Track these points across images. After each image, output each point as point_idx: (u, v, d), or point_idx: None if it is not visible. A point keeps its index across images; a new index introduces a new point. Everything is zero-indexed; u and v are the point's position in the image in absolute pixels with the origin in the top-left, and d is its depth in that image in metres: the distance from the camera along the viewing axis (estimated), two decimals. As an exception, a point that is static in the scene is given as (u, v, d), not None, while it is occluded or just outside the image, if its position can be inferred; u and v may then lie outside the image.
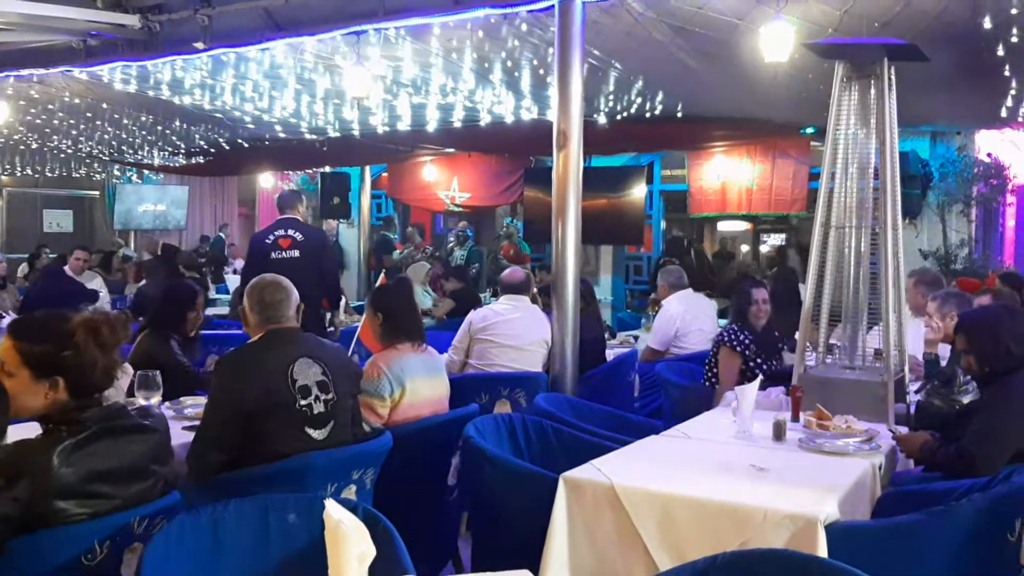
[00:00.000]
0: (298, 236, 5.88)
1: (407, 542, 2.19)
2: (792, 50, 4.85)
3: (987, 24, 4.85)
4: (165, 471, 2.36)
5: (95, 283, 8.75)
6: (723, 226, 13.89)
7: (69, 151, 11.56)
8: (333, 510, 1.70)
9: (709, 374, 4.90)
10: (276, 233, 5.91)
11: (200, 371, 4.12)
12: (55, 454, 2.07)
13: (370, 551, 1.69)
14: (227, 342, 5.48)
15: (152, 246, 11.42)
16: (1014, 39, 5.09)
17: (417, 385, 3.63)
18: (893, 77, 4.09)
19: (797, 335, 4.20)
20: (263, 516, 2.26)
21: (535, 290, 6.26)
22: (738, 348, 4.67)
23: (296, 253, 5.81)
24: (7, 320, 5.66)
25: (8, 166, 12.96)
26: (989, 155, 8.96)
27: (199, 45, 5.83)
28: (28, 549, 2.01)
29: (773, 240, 15.01)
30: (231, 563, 2.18)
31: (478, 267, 11.34)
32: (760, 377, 3.94)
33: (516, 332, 5.03)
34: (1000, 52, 5.39)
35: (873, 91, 4.06)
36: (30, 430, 2.24)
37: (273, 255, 5.75)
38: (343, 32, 5.59)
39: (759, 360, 4.65)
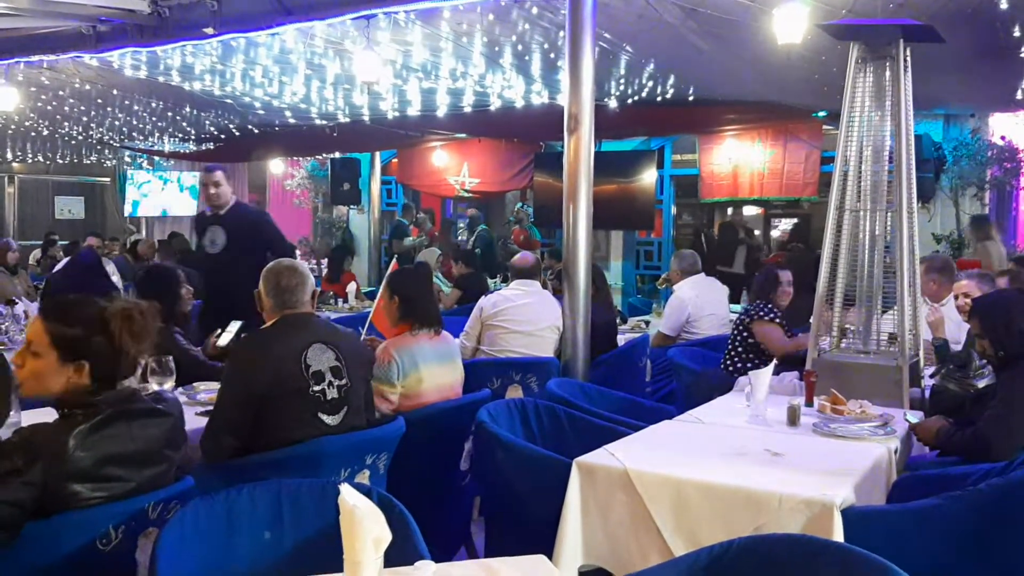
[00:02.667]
0: None
1: (420, 527, 2.19)
2: (806, 31, 4.80)
3: (1003, 4, 4.79)
4: (179, 456, 2.37)
5: (108, 269, 8.77)
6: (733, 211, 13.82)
7: (80, 138, 11.57)
8: (348, 495, 1.69)
9: (730, 358, 4.87)
10: None
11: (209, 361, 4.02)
12: (71, 437, 2.07)
13: (385, 536, 1.68)
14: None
15: (149, 250, 11.35)
16: (1031, 19, 5.04)
17: (430, 372, 3.62)
18: (909, 59, 4.05)
19: (811, 319, 4.18)
20: (276, 501, 2.25)
21: (550, 277, 6.25)
22: (768, 318, 4.70)
23: None
24: (20, 307, 5.68)
25: (19, 153, 13.00)
26: (1003, 138, 8.88)
27: (208, 30, 5.81)
28: (43, 534, 2.01)
29: (784, 225, 14.93)
30: (245, 548, 2.18)
31: (479, 252, 11.30)
32: (774, 362, 3.92)
33: (527, 317, 5.03)
34: (1016, 33, 5.32)
35: (888, 73, 4.02)
36: (46, 415, 2.25)
37: None
38: (352, 16, 5.56)
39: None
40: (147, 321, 2.25)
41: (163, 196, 14.83)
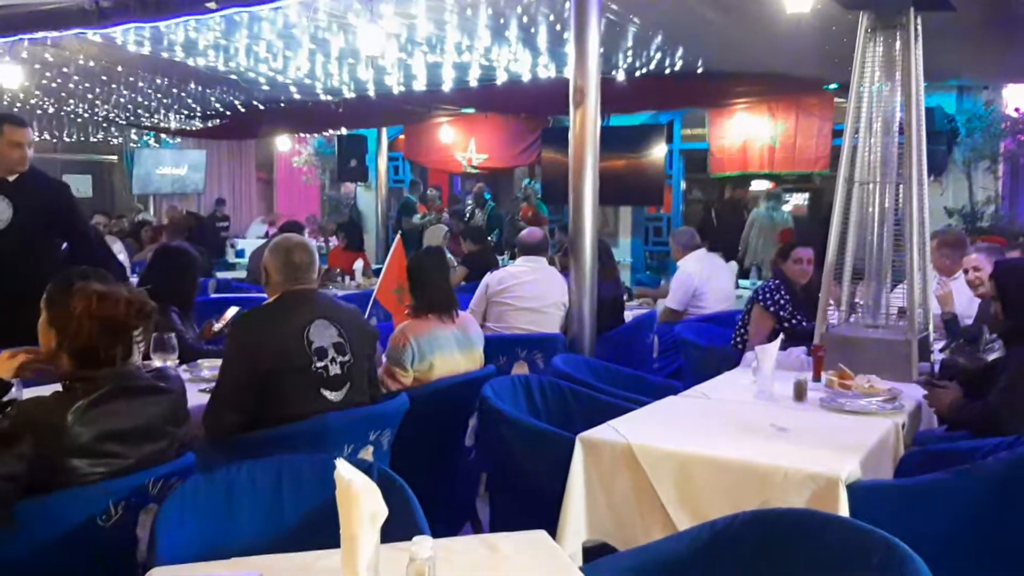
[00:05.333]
0: None
1: (425, 503, 2.18)
2: (815, 1, 4.72)
3: (1017, -28, 4.71)
4: (180, 432, 2.36)
5: (115, 248, 8.75)
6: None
7: (86, 115, 11.55)
8: (344, 470, 1.67)
9: (739, 335, 4.84)
10: None
11: (205, 346, 3.97)
12: (70, 412, 2.08)
13: (382, 511, 1.67)
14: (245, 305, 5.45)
15: (178, 217, 11.26)
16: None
17: (444, 359, 3.58)
18: (919, 27, 3.98)
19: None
20: (277, 478, 2.25)
21: (558, 253, 6.20)
22: (771, 308, 4.61)
23: None
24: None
25: (26, 131, 12.97)
26: (1017, 110, 8.76)
27: (211, 5, 5.74)
28: (43, 510, 2.01)
29: (797, 200, 14.80)
30: (245, 524, 2.18)
31: (498, 233, 11.24)
32: (781, 337, 3.88)
33: (533, 294, 5.00)
34: (1031, 1, 5.23)
35: (899, 42, 3.96)
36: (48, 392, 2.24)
37: None
38: (356, -11, 5.51)
39: (795, 320, 4.59)
40: (116, 308, 2.18)
41: (169, 174, 14.81)
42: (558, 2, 5.71)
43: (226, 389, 2.86)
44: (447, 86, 8.67)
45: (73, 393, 2.13)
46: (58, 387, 2.21)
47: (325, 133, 13.60)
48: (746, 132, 9.97)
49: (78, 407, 2.09)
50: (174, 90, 9.40)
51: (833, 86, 8.73)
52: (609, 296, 5.20)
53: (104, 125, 12.82)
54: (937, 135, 8.25)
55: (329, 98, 9.70)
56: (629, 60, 7.48)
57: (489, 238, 10.23)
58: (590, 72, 4.56)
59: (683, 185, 11.95)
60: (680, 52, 7.26)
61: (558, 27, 6.27)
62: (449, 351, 3.61)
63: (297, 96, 9.58)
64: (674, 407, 3.27)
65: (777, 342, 3.58)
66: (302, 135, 14.20)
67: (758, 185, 13.62)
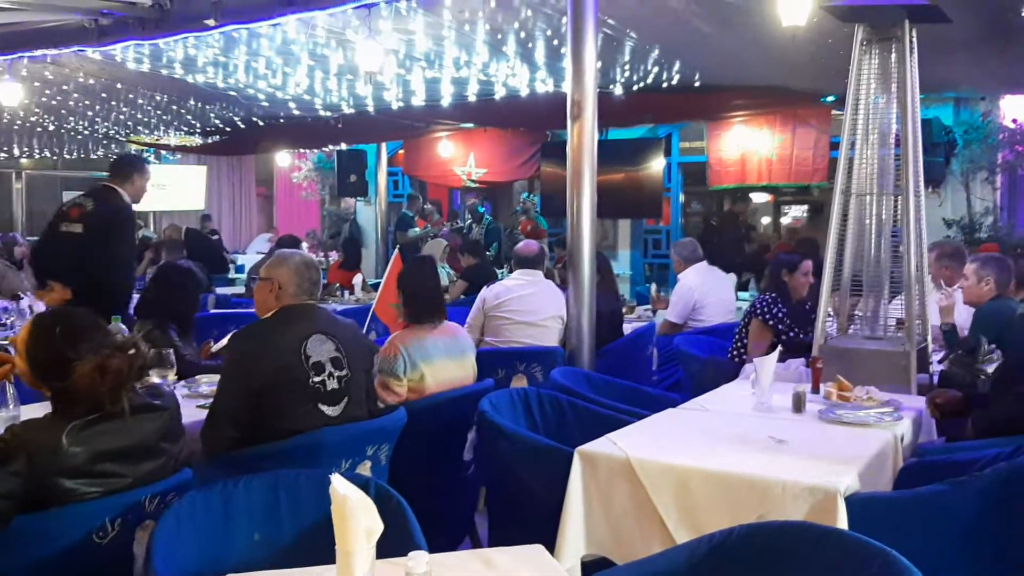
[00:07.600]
0: (89, 206, 4.94)
1: (424, 517, 2.17)
2: (810, 13, 4.74)
3: (1011, -16, 4.73)
4: (176, 449, 2.35)
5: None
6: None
7: (86, 132, 11.58)
8: (339, 485, 1.68)
9: (736, 348, 4.83)
10: (72, 201, 5.12)
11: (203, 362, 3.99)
12: (64, 434, 2.06)
13: (377, 526, 1.66)
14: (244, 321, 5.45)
15: (169, 234, 11.26)
16: (1040, -1, 4.97)
17: (436, 367, 3.59)
18: (915, 40, 4.00)
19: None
20: (273, 492, 2.24)
21: (558, 266, 6.20)
22: (770, 322, 4.61)
23: (79, 228, 4.88)
24: (26, 301, 5.68)
25: (27, 148, 13.01)
26: (1014, 121, 8.78)
27: (210, 22, 5.78)
28: (38, 527, 2.01)
29: (795, 212, 14.83)
30: (242, 539, 2.17)
31: (496, 246, 11.25)
32: (779, 348, 3.88)
33: (531, 308, 4.99)
34: (1025, 13, 5.26)
35: (894, 54, 3.97)
36: (46, 410, 2.23)
37: (62, 227, 4.93)
38: (354, 5, 5.52)
39: (792, 333, 4.58)
40: (119, 376, 2.15)
41: (169, 190, 14.81)
42: (555, 17, 5.74)
43: (224, 404, 2.87)
44: (446, 101, 8.69)
45: (67, 414, 2.13)
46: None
47: (324, 148, 13.62)
48: (744, 144, 9.99)
49: (72, 428, 2.08)
50: (173, 107, 9.42)
51: (830, 98, 8.75)
52: (608, 309, 5.20)
53: (104, 142, 12.85)
54: (934, 146, 8.26)
55: (328, 114, 9.72)
56: (627, 74, 7.51)
57: (488, 252, 10.24)
58: (587, 86, 4.58)
59: (682, 198, 11.97)
60: (677, 66, 7.29)
61: (555, 42, 6.30)
62: (439, 359, 3.61)
63: (296, 112, 9.61)
64: (672, 420, 3.26)
65: (775, 354, 3.58)
66: (302, 150, 14.23)
67: (757, 198, 13.66)
